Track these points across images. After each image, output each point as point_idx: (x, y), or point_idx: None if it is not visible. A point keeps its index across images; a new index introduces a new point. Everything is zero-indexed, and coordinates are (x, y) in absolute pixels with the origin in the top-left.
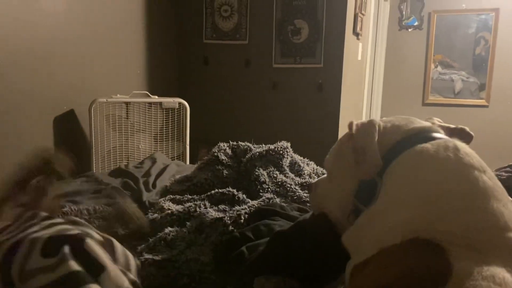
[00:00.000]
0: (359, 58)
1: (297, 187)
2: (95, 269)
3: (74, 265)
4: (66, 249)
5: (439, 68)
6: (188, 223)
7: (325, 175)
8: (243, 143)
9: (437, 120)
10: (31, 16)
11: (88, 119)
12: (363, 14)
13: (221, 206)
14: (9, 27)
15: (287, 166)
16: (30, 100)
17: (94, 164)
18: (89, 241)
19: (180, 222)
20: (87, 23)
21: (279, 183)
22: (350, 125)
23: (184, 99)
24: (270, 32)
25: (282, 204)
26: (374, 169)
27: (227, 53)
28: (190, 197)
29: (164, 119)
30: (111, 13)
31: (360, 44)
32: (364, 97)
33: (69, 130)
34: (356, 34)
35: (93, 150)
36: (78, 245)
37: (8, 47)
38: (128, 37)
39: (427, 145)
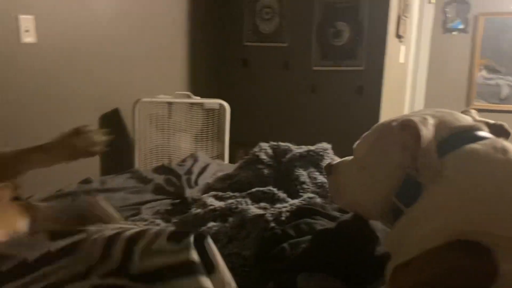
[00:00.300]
0: (402, 61)
1: None
2: (209, 266)
3: (195, 255)
4: (191, 239)
5: (484, 73)
6: (230, 218)
7: (348, 160)
8: (283, 144)
9: (474, 112)
10: (83, 18)
11: (132, 118)
12: (406, 17)
13: (262, 204)
14: (62, 28)
15: None
16: (78, 98)
17: (137, 161)
18: (209, 239)
19: (222, 218)
20: (133, 25)
21: (319, 184)
22: (410, 124)
23: (224, 100)
24: (310, 35)
25: (323, 204)
26: (435, 173)
27: (266, 55)
28: (231, 194)
29: (205, 120)
30: (156, 16)
31: (403, 47)
32: (405, 101)
33: (114, 128)
34: (398, 36)
35: (136, 147)
36: (200, 240)
37: (61, 47)
38: (171, 39)
39: (476, 145)
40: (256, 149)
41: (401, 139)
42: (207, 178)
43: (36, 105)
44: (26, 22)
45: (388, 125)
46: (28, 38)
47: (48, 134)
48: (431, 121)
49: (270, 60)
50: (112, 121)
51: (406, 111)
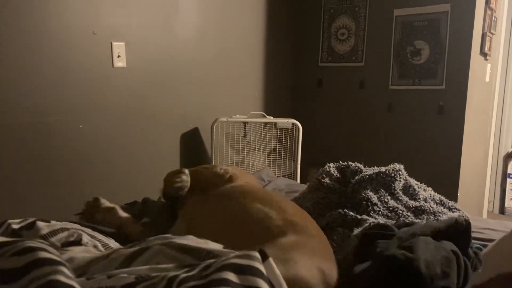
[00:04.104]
0: (487, 79)
1: (409, 213)
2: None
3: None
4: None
5: None
6: None
7: None
8: (353, 164)
9: None
10: (167, 44)
11: (210, 137)
12: (492, 34)
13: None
14: (149, 54)
15: (400, 189)
16: (162, 117)
17: None
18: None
19: None
20: (213, 50)
21: (391, 208)
22: None
23: (297, 120)
24: (388, 54)
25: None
26: None
27: (341, 75)
28: None
29: (278, 139)
30: (234, 41)
31: (489, 65)
32: (492, 122)
33: (193, 146)
34: (483, 54)
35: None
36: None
37: (148, 71)
38: (248, 62)
39: None
40: (320, 172)
41: None
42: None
43: (125, 122)
44: (118, 48)
45: None
46: (119, 63)
47: (135, 148)
48: None
49: (345, 80)
50: (192, 139)
51: (493, 133)
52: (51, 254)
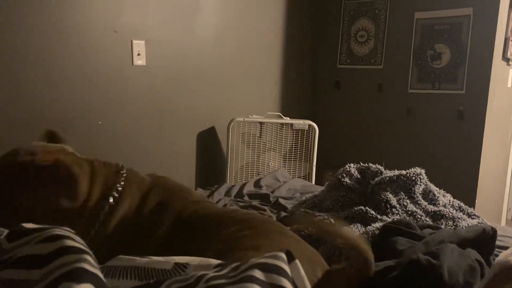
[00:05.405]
0: (509, 85)
1: (427, 218)
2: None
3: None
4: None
5: None
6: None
7: None
8: (373, 166)
9: None
10: (186, 43)
11: (226, 136)
12: None
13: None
14: (168, 52)
15: (420, 193)
16: (180, 116)
17: (228, 177)
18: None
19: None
20: (231, 50)
21: (409, 212)
22: None
23: (314, 122)
24: (407, 57)
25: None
26: None
27: (360, 77)
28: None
29: (294, 140)
30: (253, 40)
31: (511, 71)
32: None
33: (209, 145)
34: (506, 59)
35: (228, 164)
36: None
37: (166, 70)
38: (266, 62)
39: None
40: (340, 171)
41: None
42: (283, 192)
43: (143, 120)
44: (138, 46)
45: None
46: (139, 61)
47: (152, 145)
48: None
49: (363, 82)
50: (209, 138)
51: None
52: (77, 242)
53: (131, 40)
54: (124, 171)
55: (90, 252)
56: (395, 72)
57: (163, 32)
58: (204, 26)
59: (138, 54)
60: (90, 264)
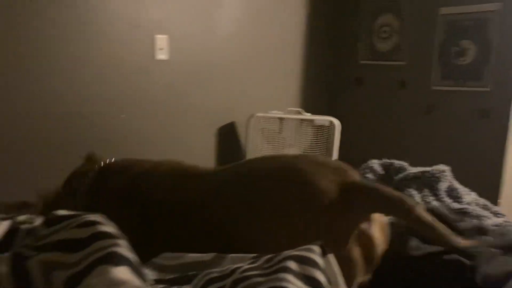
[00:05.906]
0: None
1: (451, 216)
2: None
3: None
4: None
5: None
6: None
7: None
8: (397, 162)
9: None
10: (209, 38)
11: (246, 131)
12: None
13: None
14: (191, 47)
15: (444, 190)
16: (201, 110)
17: None
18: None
19: None
20: (252, 45)
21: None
22: None
23: (335, 118)
24: (431, 53)
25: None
26: None
27: (382, 73)
28: None
29: (314, 136)
30: (273, 36)
31: None
32: None
33: (229, 140)
34: None
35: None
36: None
37: (189, 64)
38: (286, 57)
39: None
40: (364, 166)
41: None
42: None
43: (164, 113)
44: (161, 41)
45: None
46: (162, 55)
47: (172, 139)
48: None
49: (385, 78)
50: (228, 133)
51: None
52: (110, 227)
53: (154, 35)
54: None
55: (124, 237)
56: (418, 68)
57: (185, 27)
58: (225, 21)
59: (161, 49)
60: (125, 248)
